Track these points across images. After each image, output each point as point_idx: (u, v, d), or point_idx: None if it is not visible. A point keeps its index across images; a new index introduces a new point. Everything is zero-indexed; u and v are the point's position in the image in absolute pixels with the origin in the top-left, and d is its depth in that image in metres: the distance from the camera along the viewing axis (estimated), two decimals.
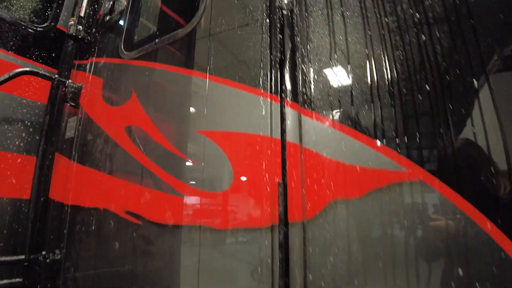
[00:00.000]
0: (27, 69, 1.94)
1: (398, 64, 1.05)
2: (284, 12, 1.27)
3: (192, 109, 1.43)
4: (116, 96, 1.78)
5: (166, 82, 1.56)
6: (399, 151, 0.99)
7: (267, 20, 1.30)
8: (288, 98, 1.18)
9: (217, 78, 1.37)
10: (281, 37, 1.25)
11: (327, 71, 1.15)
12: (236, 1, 1.45)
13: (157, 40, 1.65)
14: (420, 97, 0.98)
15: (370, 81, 1.07)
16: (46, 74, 2.02)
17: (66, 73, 2.25)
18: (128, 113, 1.65)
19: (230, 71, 1.34)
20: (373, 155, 1.02)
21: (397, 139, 1.00)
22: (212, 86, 1.37)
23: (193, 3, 1.61)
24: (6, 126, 2.07)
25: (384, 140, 1.01)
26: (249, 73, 1.28)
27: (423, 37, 1.02)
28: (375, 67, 1.07)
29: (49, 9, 2.41)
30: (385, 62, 1.07)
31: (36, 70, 1.98)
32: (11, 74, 1.87)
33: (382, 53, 1.08)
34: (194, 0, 1.62)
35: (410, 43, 1.05)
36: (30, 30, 2.24)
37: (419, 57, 1.02)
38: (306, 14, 1.25)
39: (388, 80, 1.05)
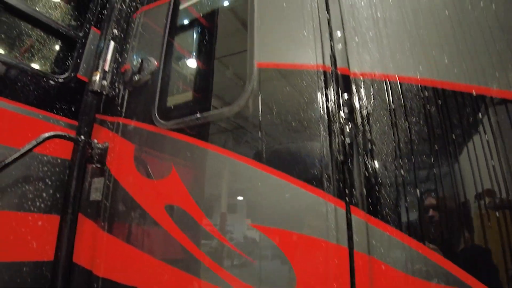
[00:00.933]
0: (54, 133, 1.86)
1: (466, 181, 1.08)
2: (342, 113, 1.28)
3: (243, 199, 1.42)
4: (152, 168, 1.73)
5: (211, 164, 1.54)
6: (469, 271, 1.02)
7: (325, 117, 1.31)
8: (353, 204, 1.18)
9: (272, 169, 1.35)
10: (343, 138, 1.25)
11: (394, 179, 1.16)
12: (287, 88, 1.44)
13: (198, 115, 1.62)
14: (490, 223, 1.01)
15: (439, 196, 1.10)
16: (73, 137, 1.96)
17: (86, 128, 2.17)
18: (169, 191, 1.61)
19: (287, 165, 1.33)
20: (443, 273, 1.04)
21: (466, 259, 1.02)
22: (266, 178, 1.35)
23: (242, 76, 1.59)
24: (27, 186, 1.99)
25: (455, 259, 1.04)
26: (309, 170, 1.28)
27: (492, 162, 1.05)
28: (442, 181, 1.10)
29: (69, 58, 2.33)
30: (453, 180, 1.09)
31: (63, 134, 1.91)
32: (38, 140, 1.79)
33: (449, 170, 1.10)
34: (243, 72, 1.59)
35: (478, 159, 1.08)
36: (51, 81, 2.16)
37: (489, 181, 1.05)
38: (368, 115, 1.26)
39: (457, 197, 1.07)
